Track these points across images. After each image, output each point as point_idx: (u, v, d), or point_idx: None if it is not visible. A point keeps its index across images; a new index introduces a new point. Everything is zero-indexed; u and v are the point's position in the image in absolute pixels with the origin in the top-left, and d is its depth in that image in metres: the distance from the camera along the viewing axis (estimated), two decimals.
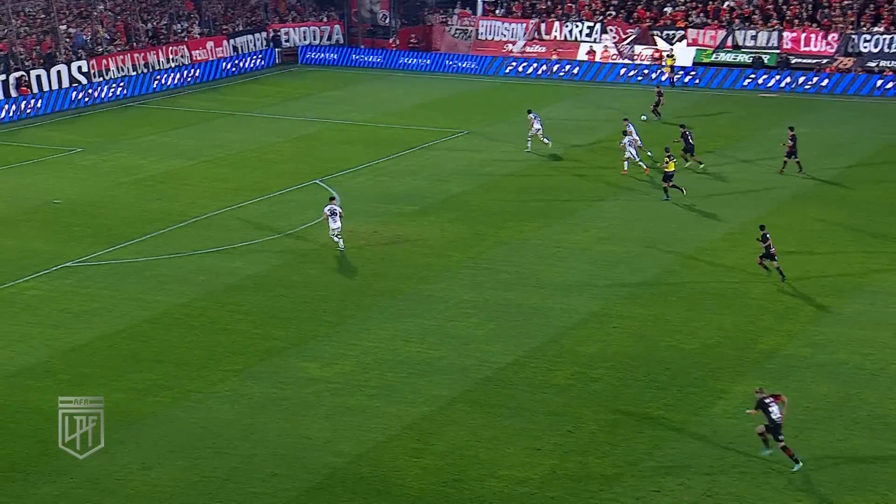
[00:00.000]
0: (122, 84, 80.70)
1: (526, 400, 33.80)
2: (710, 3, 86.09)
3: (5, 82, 74.62)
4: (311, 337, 38.60)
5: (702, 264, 44.79)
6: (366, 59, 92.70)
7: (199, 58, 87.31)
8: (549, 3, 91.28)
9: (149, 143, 66.94)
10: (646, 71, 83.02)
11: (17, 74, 75.45)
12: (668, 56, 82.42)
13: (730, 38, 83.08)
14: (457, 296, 41.90)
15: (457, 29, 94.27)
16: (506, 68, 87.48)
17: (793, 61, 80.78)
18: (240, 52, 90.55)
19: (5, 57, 76.98)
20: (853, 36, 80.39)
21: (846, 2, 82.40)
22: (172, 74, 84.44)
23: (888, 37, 79.49)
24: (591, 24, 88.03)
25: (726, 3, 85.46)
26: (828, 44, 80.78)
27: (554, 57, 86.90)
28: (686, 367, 35.63)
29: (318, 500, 28.94)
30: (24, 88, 75.32)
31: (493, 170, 59.38)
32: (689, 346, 37.29)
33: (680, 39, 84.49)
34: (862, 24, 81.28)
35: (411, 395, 34.22)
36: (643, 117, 68.32)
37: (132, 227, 50.51)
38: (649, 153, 58.29)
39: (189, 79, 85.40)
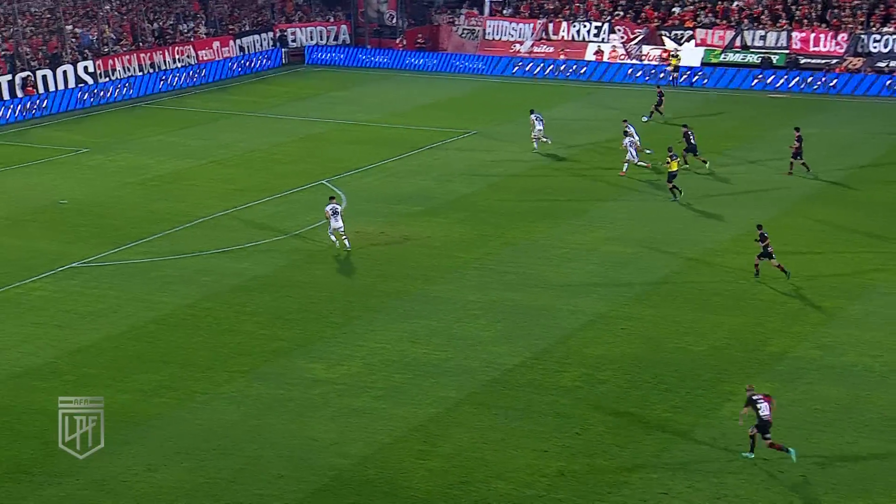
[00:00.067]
0: (128, 84, 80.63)
1: (533, 402, 33.68)
2: (719, 3, 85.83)
3: (11, 82, 74.58)
4: (317, 338, 38.49)
5: (709, 265, 44.62)
6: (373, 59, 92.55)
7: (205, 58, 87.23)
8: (556, 3, 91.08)
9: (155, 144, 66.86)
10: (653, 71, 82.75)
11: (24, 75, 75.41)
12: (672, 56, 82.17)
13: (738, 39, 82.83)
14: (464, 297, 41.77)
15: (464, 29, 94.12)
16: (513, 68, 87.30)
17: (802, 61, 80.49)
18: (246, 53, 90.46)
19: (11, 57, 76.96)
20: (863, 36, 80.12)
21: (856, 2, 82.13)
22: (179, 74, 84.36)
23: None
24: (599, 24, 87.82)
25: (735, 4, 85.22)
26: (837, 44, 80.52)
27: (561, 57, 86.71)
28: (694, 368, 35.49)
29: (324, 502, 28.86)
30: (31, 89, 75.27)
31: (501, 170, 59.25)
32: (697, 348, 37.14)
33: (688, 39, 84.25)
34: (872, 24, 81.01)
35: (418, 396, 34.11)
36: (644, 118, 68.20)
37: (138, 227, 50.43)
38: (647, 151, 58.03)
39: (195, 79, 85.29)
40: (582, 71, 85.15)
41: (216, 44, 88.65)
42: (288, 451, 31.09)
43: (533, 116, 62.57)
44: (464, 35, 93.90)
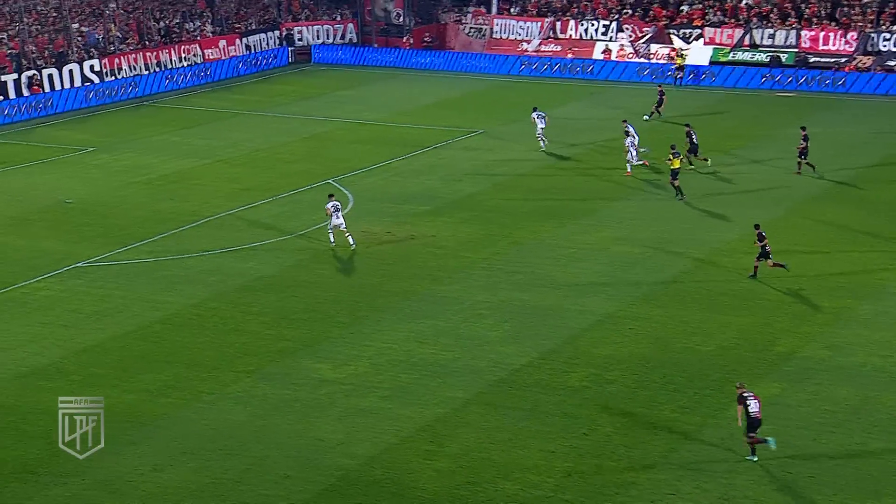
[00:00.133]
0: (134, 83, 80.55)
1: (541, 402, 33.56)
2: (728, 1, 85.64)
3: (17, 81, 74.53)
4: (323, 338, 38.38)
5: (717, 265, 44.47)
6: (379, 57, 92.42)
7: (211, 57, 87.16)
8: (564, 1, 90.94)
9: (161, 143, 66.80)
10: (661, 70, 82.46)
11: (29, 73, 75.37)
12: (678, 56, 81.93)
13: (747, 37, 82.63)
14: (471, 297, 41.65)
15: (471, 28, 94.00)
16: (520, 67, 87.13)
17: (811, 60, 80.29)
18: (252, 51, 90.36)
19: (17, 56, 76.90)
20: (872, 34, 79.92)
21: (865, 0, 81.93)
22: (185, 73, 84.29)
23: None
24: (607, 22, 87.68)
25: (744, 2, 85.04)
26: (846, 42, 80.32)
27: (569, 56, 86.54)
28: (702, 369, 35.35)
29: (330, 503, 28.74)
30: (36, 87, 75.22)
31: (507, 170, 59.13)
32: (705, 348, 37.01)
33: (697, 38, 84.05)
34: (882, 22, 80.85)
35: (425, 396, 34.00)
36: (646, 117, 68.14)
37: (144, 227, 50.34)
38: (643, 149, 57.75)
39: (201, 78, 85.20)
40: (589, 70, 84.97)
41: (222, 42, 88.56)
42: (294, 451, 30.99)
43: (534, 114, 62.49)
44: (471, 34, 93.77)
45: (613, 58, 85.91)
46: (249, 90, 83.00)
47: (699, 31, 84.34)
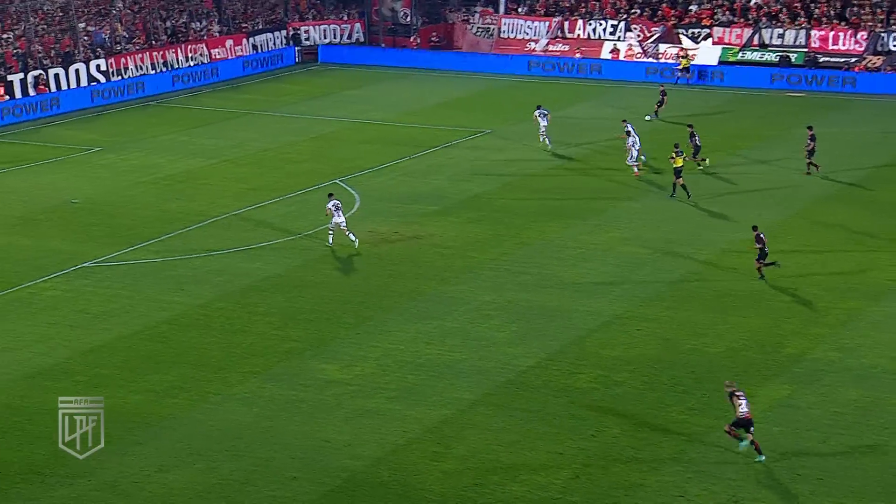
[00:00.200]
0: (140, 83, 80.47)
1: (548, 403, 33.44)
2: (737, 0, 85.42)
3: (24, 81, 74.46)
4: (330, 338, 38.28)
5: (725, 266, 44.32)
6: (386, 57, 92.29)
7: (218, 56, 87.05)
8: (572, 0, 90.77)
9: (168, 143, 66.72)
10: (669, 69, 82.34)
11: (36, 73, 75.30)
12: (683, 57, 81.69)
13: (756, 37, 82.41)
14: (478, 297, 41.53)
15: (479, 27, 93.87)
16: (528, 67, 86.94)
17: (821, 60, 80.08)
18: (259, 51, 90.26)
19: (23, 55, 76.89)
20: (882, 34, 79.72)
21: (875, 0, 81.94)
22: (192, 73, 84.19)
23: None
24: (615, 22, 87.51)
25: (753, 1, 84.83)
26: (856, 42, 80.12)
27: (577, 55, 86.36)
28: (711, 370, 35.20)
29: None
30: (43, 87, 75.15)
31: (515, 170, 59.01)
32: (714, 350, 36.88)
33: (705, 38, 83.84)
34: (892, 22, 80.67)
35: (432, 397, 33.90)
36: (648, 117, 68.06)
37: (151, 227, 50.26)
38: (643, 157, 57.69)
39: (208, 77, 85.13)
40: (598, 69, 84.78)
41: (229, 42, 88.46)
42: (301, 452, 30.89)
43: (537, 112, 62.40)
44: (478, 33, 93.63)
45: (622, 57, 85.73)
46: (256, 90, 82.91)
47: (708, 30, 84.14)
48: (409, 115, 72.88)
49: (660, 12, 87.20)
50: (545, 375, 35.24)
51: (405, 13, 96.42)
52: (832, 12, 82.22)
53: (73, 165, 61.99)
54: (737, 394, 30.11)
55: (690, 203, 52.06)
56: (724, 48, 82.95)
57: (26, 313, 40.99)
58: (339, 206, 46.62)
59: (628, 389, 34.30)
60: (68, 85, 76.78)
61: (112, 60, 79.77)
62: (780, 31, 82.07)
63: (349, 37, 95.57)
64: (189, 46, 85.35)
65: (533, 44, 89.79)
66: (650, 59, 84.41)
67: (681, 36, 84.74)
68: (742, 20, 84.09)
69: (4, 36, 78.39)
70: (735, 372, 34.96)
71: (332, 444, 31.28)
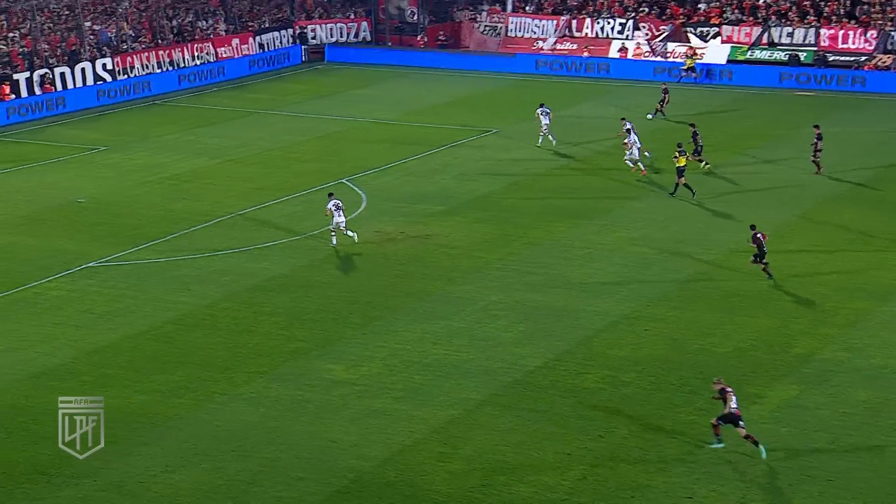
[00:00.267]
0: (146, 82, 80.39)
1: (555, 404, 33.32)
2: None
3: (29, 80, 74.40)
4: (336, 338, 38.16)
5: (733, 266, 44.14)
6: (393, 56, 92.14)
7: (224, 55, 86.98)
8: None
9: (173, 142, 66.65)
10: (678, 69, 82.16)
11: (42, 72, 75.23)
12: (688, 56, 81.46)
13: (765, 35, 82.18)
14: (485, 297, 41.40)
15: (486, 26, 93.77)
16: (536, 66, 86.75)
17: (830, 59, 79.84)
18: (266, 50, 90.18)
19: (29, 54, 76.85)
20: (892, 33, 79.49)
21: None
22: (198, 72, 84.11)
23: None
24: (624, 20, 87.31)
25: (762, 0, 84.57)
26: (866, 41, 79.89)
27: (585, 54, 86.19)
28: (719, 371, 34.81)
29: None
30: (48, 86, 75.08)
31: (522, 169, 58.88)
32: (722, 350, 36.74)
33: (714, 36, 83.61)
34: None
35: (439, 398, 33.77)
36: (649, 116, 67.93)
37: (156, 226, 50.16)
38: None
39: (214, 76, 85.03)
40: (606, 68, 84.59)
41: (235, 41, 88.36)
42: (307, 452, 30.78)
43: (539, 111, 62.29)
44: (486, 32, 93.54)
45: (630, 56, 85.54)
46: (262, 89, 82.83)
47: (717, 29, 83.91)
48: (416, 115, 72.76)
49: (668, 11, 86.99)
50: (552, 376, 35.10)
51: (412, 12, 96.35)
52: (842, 11, 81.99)
53: (78, 165, 61.93)
54: (727, 390, 30.09)
55: (694, 202, 51.90)
56: (732, 47, 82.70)
57: (31, 313, 40.90)
58: (340, 205, 46.42)
59: (636, 390, 34.15)
60: (74, 84, 76.70)
61: (118, 59, 79.68)
62: (790, 29, 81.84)
63: (356, 35, 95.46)
64: (195, 45, 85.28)
65: (540, 42, 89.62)
66: (658, 58, 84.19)
67: (689, 34, 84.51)
68: (751, 18, 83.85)
69: (10, 34, 78.36)
70: (743, 372, 34.89)
71: (339, 445, 31.17)
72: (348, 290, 42.63)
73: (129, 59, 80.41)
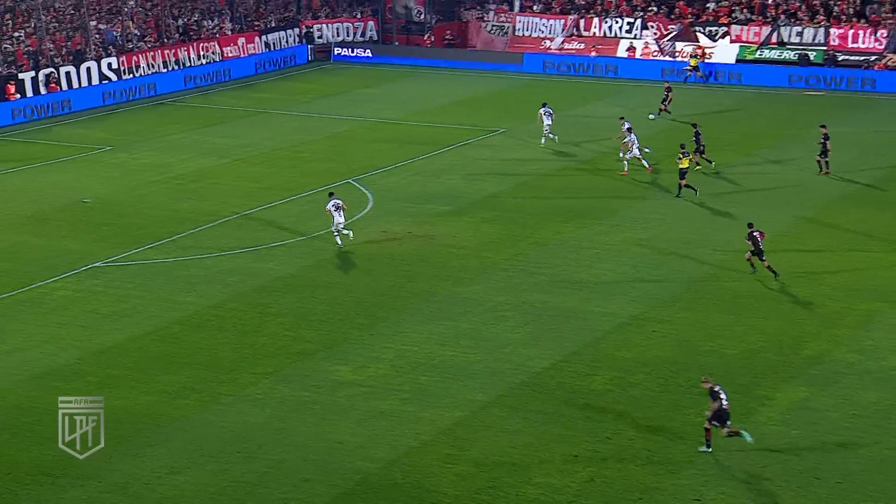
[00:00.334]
0: (152, 81, 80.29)
1: (563, 405, 33.14)
2: None
3: (35, 79, 74.35)
4: (342, 339, 38.01)
5: (742, 267, 43.84)
6: (400, 55, 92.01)
7: (230, 54, 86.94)
8: None
9: (179, 142, 66.57)
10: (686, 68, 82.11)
11: (47, 71, 75.19)
12: (692, 57, 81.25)
13: (775, 35, 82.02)
14: (492, 298, 41.23)
15: (493, 25, 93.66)
16: (543, 66, 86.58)
17: (840, 58, 79.68)
18: (272, 49, 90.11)
19: (35, 53, 76.79)
20: None
21: None
22: (203, 71, 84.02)
23: None
24: (632, 20, 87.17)
25: None
26: (876, 40, 79.74)
27: (593, 54, 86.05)
28: (728, 372, 34.77)
29: None
30: (54, 85, 75.02)
31: (529, 169, 58.74)
32: (731, 351, 36.55)
33: (723, 36, 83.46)
34: None
35: (445, 399, 33.61)
36: (651, 116, 67.80)
37: (162, 226, 50.04)
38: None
39: (220, 76, 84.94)
40: (614, 68, 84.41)
41: (241, 40, 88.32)
42: (313, 454, 30.64)
43: (542, 110, 62.16)
44: (493, 31, 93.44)
45: (638, 56, 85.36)
46: (269, 88, 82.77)
47: (725, 28, 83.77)
48: (423, 114, 72.66)
49: (677, 10, 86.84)
50: (560, 377, 34.93)
51: (419, 11, 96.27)
52: (852, 10, 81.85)
53: (84, 164, 61.84)
54: (715, 388, 30.01)
55: (696, 202, 51.75)
56: (741, 46, 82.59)
57: (37, 313, 40.78)
58: (340, 205, 46.23)
59: (644, 391, 33.97)
60: (79, 83, 76.66)
61: (123, 59, 79.65)
62: (799, 28, 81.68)
63: (362, 35, 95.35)
64: (201, 45, 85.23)
65: (548, 42, 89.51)
66: (667, 58, 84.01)
67: (698, 34, 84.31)
68: (760, 18, 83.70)
69: (16, 34, 78.32)
70: (752, 374, 34.74)
71: (345, 446, 31.02)
72: (355, 290, 42.47)
73: (134, 58, 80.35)
